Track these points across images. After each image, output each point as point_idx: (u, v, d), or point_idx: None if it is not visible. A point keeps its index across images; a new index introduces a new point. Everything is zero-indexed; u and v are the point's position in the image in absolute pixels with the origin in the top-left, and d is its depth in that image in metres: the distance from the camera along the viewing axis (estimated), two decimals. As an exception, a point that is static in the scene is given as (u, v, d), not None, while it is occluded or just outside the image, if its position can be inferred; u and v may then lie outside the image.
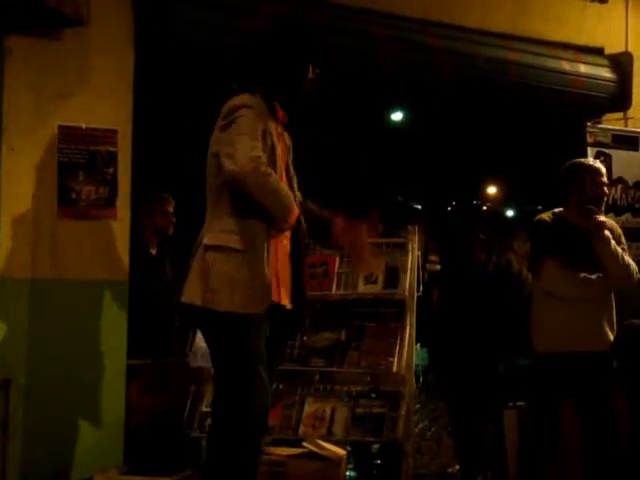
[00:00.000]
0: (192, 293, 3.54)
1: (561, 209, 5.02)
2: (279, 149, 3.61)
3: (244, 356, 3.47)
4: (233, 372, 3.50)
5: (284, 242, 3.65)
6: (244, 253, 3.49)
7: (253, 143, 3.42)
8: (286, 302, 3.65)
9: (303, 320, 3.96)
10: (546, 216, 5.01)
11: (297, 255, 3.71)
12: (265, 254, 3.50)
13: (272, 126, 3.59)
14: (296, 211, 3.55)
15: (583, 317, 4.79)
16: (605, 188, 5.01)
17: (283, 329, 3.73)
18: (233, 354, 3.50)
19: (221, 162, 3.45)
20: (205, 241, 3.56)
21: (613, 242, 4.84)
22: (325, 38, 5.41)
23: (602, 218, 4.88)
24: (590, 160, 5.37)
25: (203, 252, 3.54)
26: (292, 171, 3.76)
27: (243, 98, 3.55)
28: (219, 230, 3.54)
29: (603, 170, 5.02)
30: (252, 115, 3.48)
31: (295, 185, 3.74)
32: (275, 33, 3.74)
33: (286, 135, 3.75)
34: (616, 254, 4.81)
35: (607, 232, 4.84)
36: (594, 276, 4.82)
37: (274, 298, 3.56)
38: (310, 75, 3.68)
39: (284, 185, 3.55)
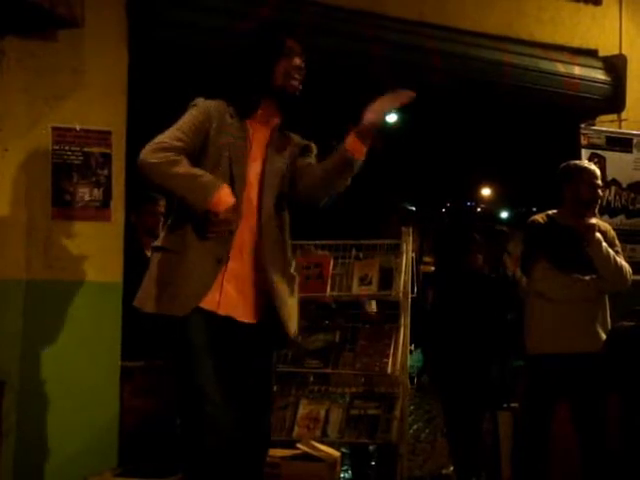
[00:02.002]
0: (137, 295, 3.47)
1: (555, 211, 5.04)
2: (245, 148, 3.43)
3: (188, 376, 3.29)
4: (182, 395, 3.35)
5: (246, 255, 3.42)
6: (177, 254, 3.34)
7: (171, 133, 3.34)
8: (243, 318, 3.41)
9: (282, 337, 3.50)
10: (540, 217, 5.03)
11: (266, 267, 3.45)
12: (203, 258, 3.32)
13: (238, 129, 3.43)
14: (225, 198, 3.25)
15: (575, 318, 4.80)
16: (599, 190, 5.02)
17: (248, 345, 3.44)
18: (178, 379, 3.36)
19: None
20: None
21: (604, 244, 4.84)
22: (321, 40, 5.47)
23: (593, 221, 4.88)
24: (585, 162, 5.38)
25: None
26: (299, 169, 3.55)
27: (198, 99, 3.48)
28: (164, 229, 3.49)
29: (597, 172, 5.04)
30: (192, 111, 3.41)
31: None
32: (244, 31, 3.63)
33: (279, 135, 3.55)
34: (607, 256, 4.82)
35: (598, 235, 4.84)
36: (587, 278, 4.83)
37: (211, 307, 3.34)
38: (281, 69, 3.46)
39: (197, 169, 3.31)
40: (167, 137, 3.33)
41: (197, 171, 3.30)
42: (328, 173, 3.45)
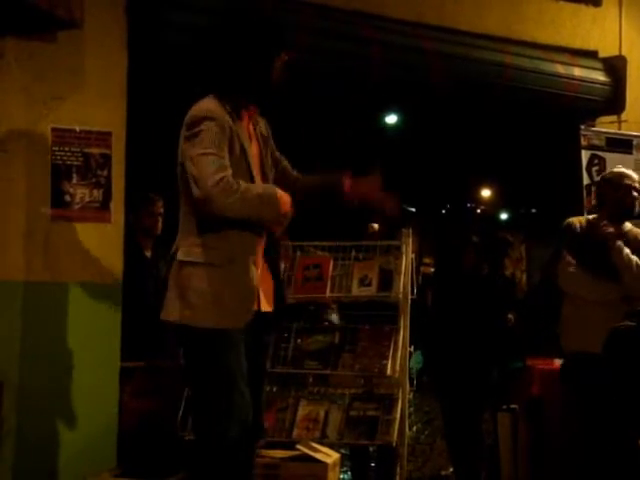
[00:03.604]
0: (171, 310, 3.43)
1: (595, 215, 5.24)
2: (253, 149, 3.51)
3: (225, 372, 3.37)
4: (213, 389, 3.38)
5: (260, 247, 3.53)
6: (222, 267, 3.37)
7: (217, 162, 3.30)
8: (267, 307, 3.56)
9: (280, 316, 3.74)
10: (576, 220, 5.25)
11: (271, 250, 3.59)
12: (246, 266, 3.40)
13: (240, 127, 3.46)
14: (285, 198, 3.41)
15: (599, 319, 4.88)
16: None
17: (263, 332, 3.62)
18: (214, 370, 3.39)
19: (190, 186, 3.34)
20: (179, 256, 3.44)
21: (626, 251, 4.97)
22: (319, 42, 5.48)
23: (610, 229, 5.03)
24: (626, 169, 5.44)
25: (179, 268, 3.43)
26: (274, 158, 3.65)
27: (204, 107, 3.41)
28: (193, 244, 3.41)
29: (637, 178, 5.21)
30: (215, 128, 3.35)
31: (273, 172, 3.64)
32: (228, 27, 3.56)
33: (261, 125, 3.62)
34: (628, 263, 4.96)
35: (619, 242, 4.99)
36: (613, 282, 4.97)
37: (255, 307, 3.47)
38: (278, 64, 3.50)
39: (256, 185, 3.41)
40: (219, 167, 3.29)
41: (253, 189, 3.37)
42: (310, 196, 3.62)
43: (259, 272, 3.48)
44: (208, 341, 3.38)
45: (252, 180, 3.44)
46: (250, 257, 3.42)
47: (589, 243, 5.06)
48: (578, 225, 5.20)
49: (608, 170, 5.97)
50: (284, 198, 3.40)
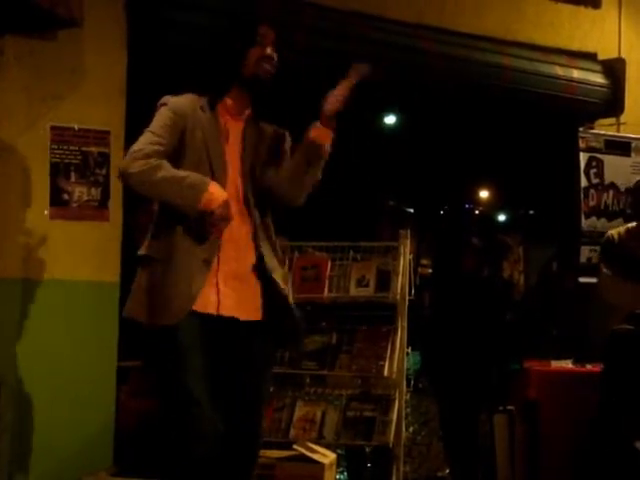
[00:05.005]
0: (125, 305, 3.38)
1: (634, 224, 5.41)
2: (228, 147, 3.37)
3: (172, 384, 3.22)
4: (165, 403, 3.29)
5: (237, 252, 3.34)
6: (161, 262, 3.25)
7: (146, 138, 3.24)
8: (238, 314, 3.32)
9: (289, 332, 3.45)
10: (615, 232, 5.46)
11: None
12: (187, 264, 3.22)
13: (211, 122, 3.35)
14: (216, 194, 3.17)
15: None
16: None
17: (251, 343, 3.36)
18: (163, 382, 3.28)
19: None
20: (139, 251, 3.38)
21: None
22: (319, 42, 5.48)
23: None
24: None
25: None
26: (262, 159, 3.46)
27: (170, 97, 3.38)
28: (147, 237, 3.35)
29: None
30: (166, 113, 3.30)
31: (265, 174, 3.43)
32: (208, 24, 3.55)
33: (253, 130, 3.46)
34: None
35: None
36: None
37: (209, 310, 3.26)
38: (252, 58, 3.36)
39: (181, 170, 3.23)
40: (143, 143, 3.24)
41: (181, 173, 3.22)
42: (298, 166, 3.40)
43: (224, 277, 3.30)
44: (158, 348, 3.27)
45: (212, 174, 3.28)
46: (196, 255, 3.24)
47: (627, 253, 5.25)
48: (617, 236, 5.38)
49: (606, 173, 6.02)
50: (213, 193, 3.18)
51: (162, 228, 3.31)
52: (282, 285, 3.39)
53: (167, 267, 3.24)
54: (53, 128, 4.89)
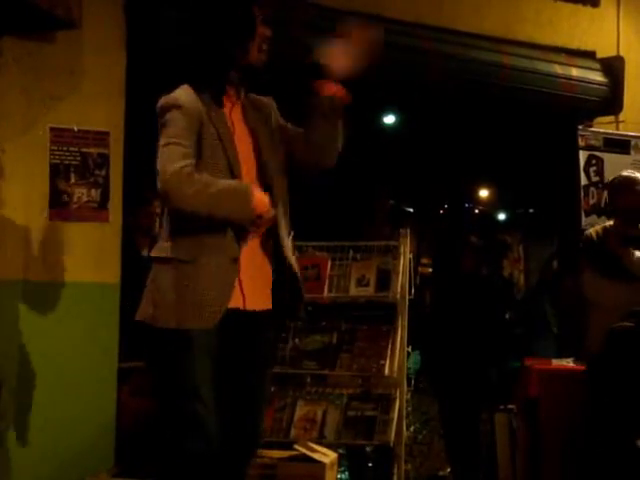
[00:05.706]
0: (140, 308, 3.23)
1: (610, 223, 5.34)
2: (241, 137, 3.31)
3: (184, 380, 3.15)
4: (173, 397, 3.20)
5: (254, 243, 3.28)
6: (189, 263, 3.14)
7: (178, 151, 3.12)
8: (257, 306, 3.28)
9: (292, 313, 3.43)
10: (593, 231, 5.38)
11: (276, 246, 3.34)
12: (218, 263, 3.15)
13: (219, 115, 3.27)
14: (260, 198, 3.13)
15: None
16: None
17: (257, 333, 3.33)
18: (173, 377, 3.19)
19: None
20: (152, 253, 3.28)
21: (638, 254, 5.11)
22: (318, 42, 5.46)
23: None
24: (634, 172, 5.48)
25: (152, 265, 3.25)
26: (283, 132, 3.41)
27: (172, 95, 3.27)
28: (165, 239, 3.23)
29: None
30: (180, 116, 3.18)
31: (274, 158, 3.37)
32: (199, 15, 3.37)
33: (251, 110, 3.39)
34: None
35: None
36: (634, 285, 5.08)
37: (236, 304, 3.20)
38: (253, 46, 3.30)
39: (223, 181, 3.15)
40: (178, 158, 3.11)
41: (222, 182, 3.13)
42: (320, 127, 3.34)
43: (244, 269, 3.23)
44: (167, 344, 3.15)
45: (230, 168, 3.22)
46: (225, 253, 3.17)
47: (606, 251, 5.19)
48: (595, 235, 5.31)
49: (605, 171, 6.02)
50: (259, 198, 3.13)
51: (181, 228, 3.20)
52: (291, 261, 3.34)
53: (195, 269, 3.15)
54: (52, 129, 4.89)
